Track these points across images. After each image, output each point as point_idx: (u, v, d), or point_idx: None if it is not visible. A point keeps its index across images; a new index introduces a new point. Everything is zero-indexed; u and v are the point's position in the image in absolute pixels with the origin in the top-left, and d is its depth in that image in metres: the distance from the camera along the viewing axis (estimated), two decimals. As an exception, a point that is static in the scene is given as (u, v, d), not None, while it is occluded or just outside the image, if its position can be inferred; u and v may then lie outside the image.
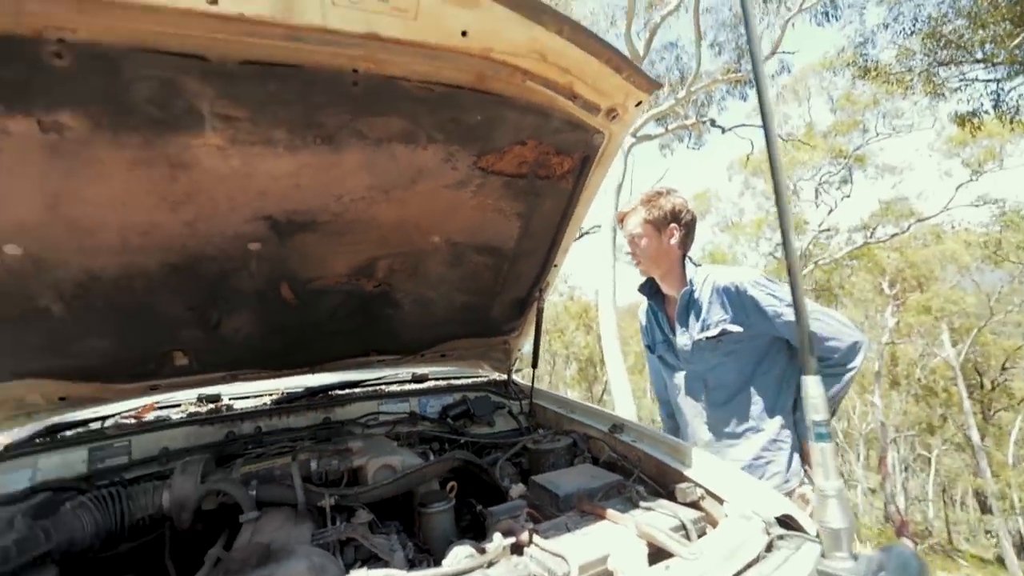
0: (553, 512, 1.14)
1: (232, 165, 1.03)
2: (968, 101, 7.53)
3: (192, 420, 1.57)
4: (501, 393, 1.96)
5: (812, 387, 0.79)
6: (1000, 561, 19.25)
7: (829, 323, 1.52)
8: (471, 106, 1.10)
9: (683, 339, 1.69)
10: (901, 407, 24.70)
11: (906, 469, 27.23)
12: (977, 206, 15.09)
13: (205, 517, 1.20)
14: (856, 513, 22.34)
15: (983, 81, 8.07)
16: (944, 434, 25.06)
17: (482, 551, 0.88)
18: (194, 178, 1.02)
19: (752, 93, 10.74)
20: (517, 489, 1.31)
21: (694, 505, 1.09)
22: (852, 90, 14.87)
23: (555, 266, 1.63)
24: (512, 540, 0.89)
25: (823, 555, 0.77)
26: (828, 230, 17.53)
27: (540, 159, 1.27)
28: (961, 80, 8.60)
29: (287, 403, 1.73)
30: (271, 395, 1.83)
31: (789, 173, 16.40)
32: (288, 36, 0.87)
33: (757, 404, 1.60)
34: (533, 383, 1.85)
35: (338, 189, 1.18)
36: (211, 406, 1.71)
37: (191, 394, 1.74)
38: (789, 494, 1.55)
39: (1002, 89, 6.99)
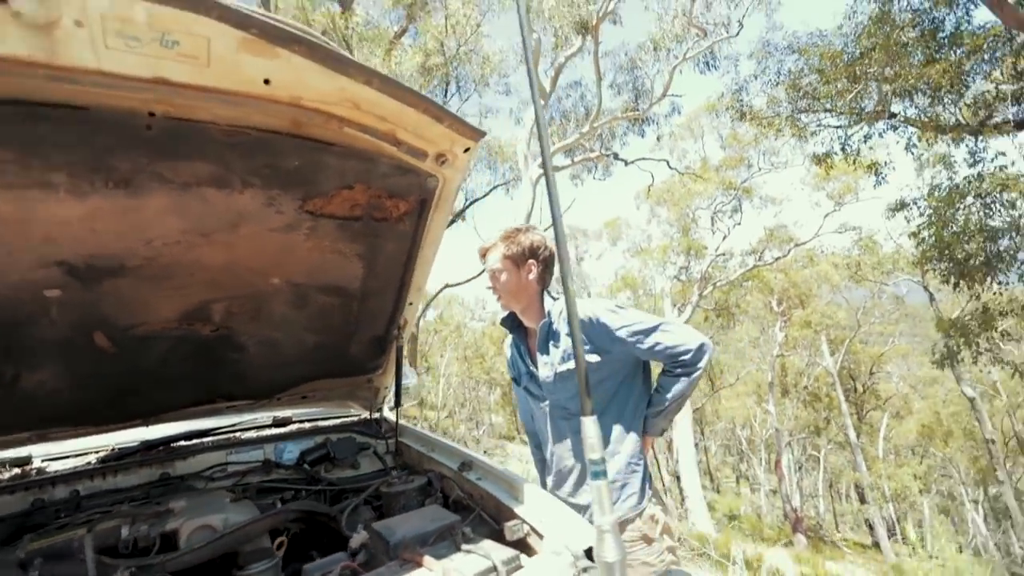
0: (384, 559, 1.11)
1: (5, 210, 0.93)
2: (822, 144, 8.67)
3: (-14, 490, 1.36)
4: (369, 433, 1.90)
5: (590, 427, 0.84)
6: (877, 546, 21.44)
7: (676, 331, 1.63)
8: (288, 151, 1.08)
9: (545, 370, 1.73)
10: (792, 413, 27.14)
11: (800, 469, 29.81)
12: (840, 232, 17.25)
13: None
14: (759, 514, 23.99)
15: (833, 127, 9.31)
16: (829, 434, 27.84)
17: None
18: (-50, 224, 0.91)
19: (649, 130, 11.65)
20: (358, 538, 1.26)
21: (520, 542, 1.11)
22: (737, 130, 16.55)
23: (410, 304, 1.62)
24: (309, 603, 0.85)
25: (602, 587, 0.81)
26: (724, 254, 19.12)
27: (373, 202, 1.27)
28: (818, 125, 9.87)
29: (115, 460, 1.55)
30: (98, 452, 1.64)
31: (688, 203, 17.82)
32: (56, 77, 0.82)
33: (615, 430, 1.66)
34: (397, 422, 1.81)
35: (145, 234, 1.10)
36: (16, 470, 1.49)
37: (-7, 458, 1.52)
38: (641, 514, 1.62)
39: (847, 135, 8.12)
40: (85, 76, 0.83)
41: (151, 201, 1.04)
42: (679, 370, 1.63)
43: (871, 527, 24.15)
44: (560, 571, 0.95)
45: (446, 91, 10.14)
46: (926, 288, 15.71)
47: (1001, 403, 20.29)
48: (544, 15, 9.45)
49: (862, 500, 26.98)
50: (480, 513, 1.29)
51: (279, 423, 1.91)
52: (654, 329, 1.62)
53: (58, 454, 1.60)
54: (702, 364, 1.63)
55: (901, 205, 7.90)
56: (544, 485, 1.82)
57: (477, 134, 1.22)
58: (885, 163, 7.90)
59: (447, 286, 10.65)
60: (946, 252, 7.09)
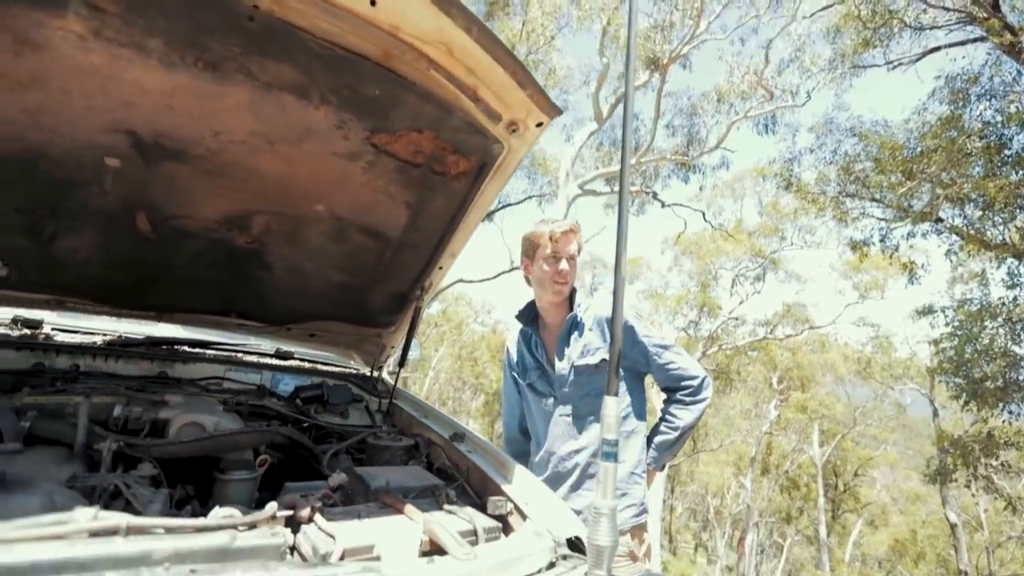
0: (361, 502, 1.09)
1: (93, 61, 0.94)
2: (862, 231, 8.59)
3: (-7, 339, 1.38)
4: (365, 387, 1.89)
5: (610, 406, 0.82)
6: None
7: (687, 357, 1.72)
8: (371, 79, 1.09)
9: (562, 364, 1.70)
10: (767, 494, 26.58)
11: (762, 552, 29.09)
12: (858, 326, 17.02)
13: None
14: (711, 587, 23.38)
15: (876, 218, 9.23)
16: (799, 525, 27.19)
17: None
18: (45, 62, 0.93)
19: (693, 178, 11.66)
20: (337, 477, 1.24)
21: (501, 518, 1.09)
22: (779, 199, 16.48)
23: (440, 268, 1.62)
24: (288, 512, 0.84)
25: (587, 572, 0.79)
26: (736, 319, 18.94)
27: (436, 153, 1.28)
28: (861, 213, 9.79)
29: (120, 347, 1.56)
30: (105, 335, 1.65)
31: (713, 259, 17.72)
32: (181, -55, 0.84)
33: (622, 435, 1.64)
34: (396, 382, 1.80)
35: (217, 124, 1.12)
36: (26, 331, 1.51)
37: (7, 313, 1.53)
38: (636, 530, 1.59)
39: (889, 229, 8.05)
40: (207, -48, 0.85)
41: (232, 92, 1.05)
42: (687, 399, 1.64)
43: (822, 631, 23.42)
44: (539, 552, 0.93)
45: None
46: (932, 402, 15.38)
47: (982, 538, 19.67)
48: (618, 42, 9.55)
49: (819, 601, 26.21)
50: (464, 484, 1.27)
51: (281, 355, 1.90)
52: (671, 348, 1.70)
53: (68, 327, 1.61)
54: (706, 395, 1.66)
55: (928, 310, 7.78)
56: None
57: (555, 110, 1.23)
58: (922, 265, 7.80)
59: (461, 281, 10.67)
60: (963, 368, 6.95)
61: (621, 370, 1.64)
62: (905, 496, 28.14)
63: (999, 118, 6.51)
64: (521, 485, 1.18)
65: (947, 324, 7.51)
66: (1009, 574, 18.43)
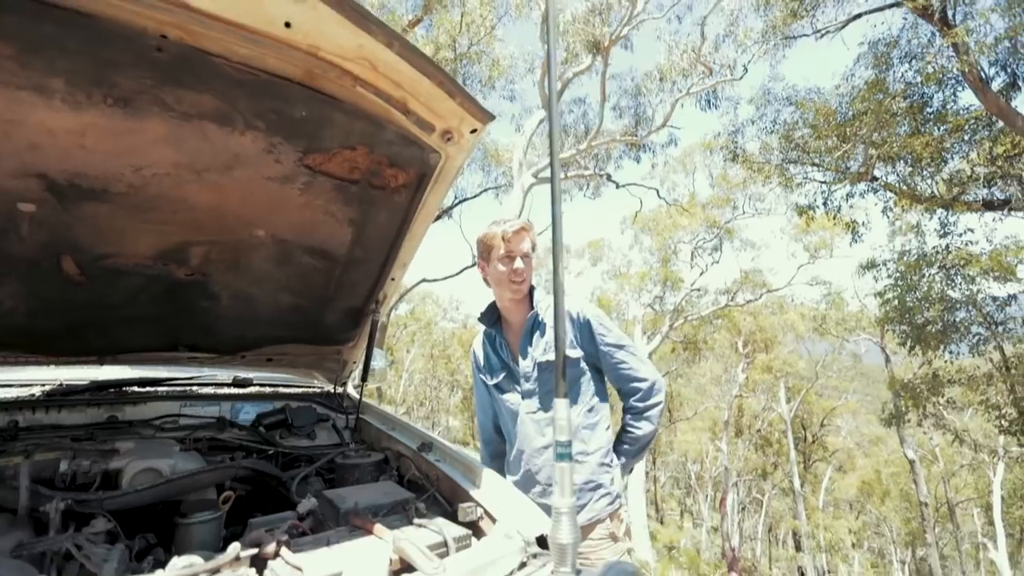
0: (332, 527, 1.09)
1: (-11, 107, 0.89)
2: (806, 196, 8.99)
3: (-83, 406, 1.29)
4: (330, 406, 1.87)
5: (561, 409, 0.85)
6: (807, 594, 21.93)
7: (640, 359, 1.72)
8: (297, 100, 1.07)
9: (525, 362, 1.72)
10: (743, 454, 27.73)
11: (743, 510, 30.41)
12: (811, 285, 17.83)
13: None
14: (698, 549, 24.32)
15: (818, 182, 9.65)
16: (774, 479, 28.53)
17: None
18: (-68, 112, 0.87)
19: (645, 157, 11.88)
20: (307, 503, 1.23)
21: (472, 524, 1.11)
22: (728, 171, 17.00)
23: (392, 279, 1.61)
24: (253, 551, 0.83)
25: (552, 570, 0.82)
26: (699, 290, 19.51)
27: (373, 168, 1.27)
28: (804, 178, 10.21)
29: (61, 395, 1.49)
30: (45, 385, 1.57)
31: (671, 234, 18.17)
32: (72, -20, 0.80)
33: (588, 430, 1.67)
34: (361, 398, 1.79)
35: (136, 159, 1.08)
36: (-47, 391, 1.42)
37: (-72, 376, 1.44)
38: (611, 515, 1.64)
39: (830, 191, 8.45)
40: (103, -15, 0.81)
41: (148, 126, 1.01)
42: (640, 405, 1.69)
43: (803, 574, 24.76)
44: (510, 554, 0.95)
45: (452, 87, 10.14)
46: (883, 349, 16.36)
47: (938, 469, 21.16)
48: (559, 28, 9.58)
49: (798, 548, 27.67)
50: (435, 493, 1.28)
51: (239, 383, 1.86)
52: (624, 348, 1.71)
53: (1, 381, 1.53)
54: (657, 400, 1.70)
55: (871, 264, 8.25)
56: None
57: (486, 116, 1.23)
58: (863, 223, 8.23)
59: (424, 280, 10.58)
60: (907, 316, 7.42)
61: (583, 364, 1.69)
62: (868, 440, 29.94)
63: (919, 78, 6.91)
64: (490, 489, 1.21)
65: (888, 276, 8.01)
66: (963, 499, 19.99)
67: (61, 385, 1.57)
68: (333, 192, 1.30)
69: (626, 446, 1.71)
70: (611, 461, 1.66)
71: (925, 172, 7.45)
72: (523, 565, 0.95)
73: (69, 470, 1.13)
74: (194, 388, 1.75)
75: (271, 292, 1.55)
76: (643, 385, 1.68)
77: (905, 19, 7.21)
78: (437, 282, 10.65)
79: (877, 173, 8.04)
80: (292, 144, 1.15)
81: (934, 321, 7.14)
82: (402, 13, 9.93)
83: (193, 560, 0.80)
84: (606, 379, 1.76)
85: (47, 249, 1.20)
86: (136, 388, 1.63)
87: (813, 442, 28.11)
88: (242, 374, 1.89)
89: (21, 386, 1.54)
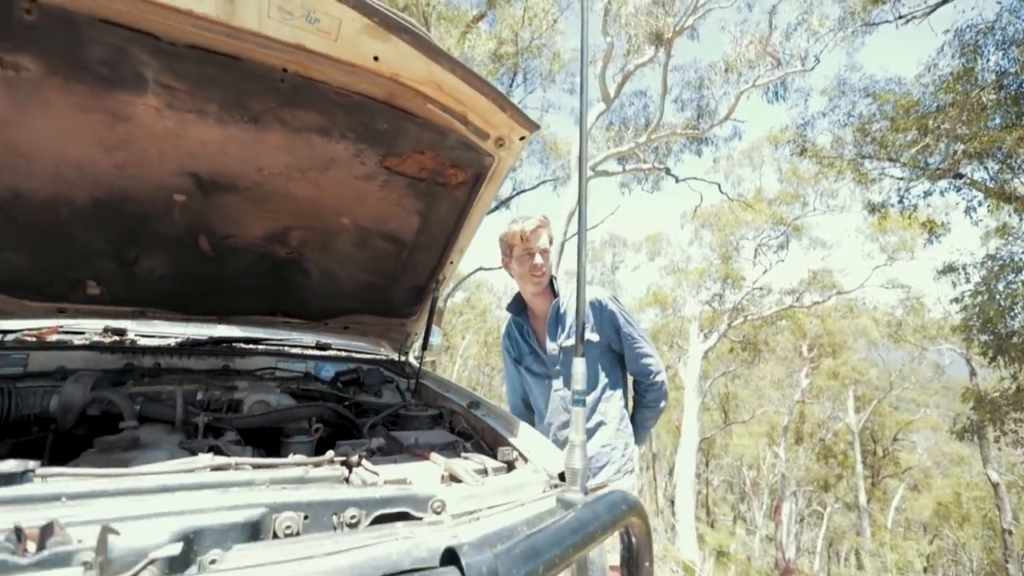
0: (396, 457, 1.37)
1: (166, 125, 1.22)
2: (880, 193, 8.49)
3: (93, 346, 1.70)
4: (394, 371, 2.17)
5: (578, 365, 1.07)
6: (867, 615, 20.73)
7: (654, 350, 1.97)
8: (380, 115, 1.35)
9: (552, 346, 1.96)
10: (804, 463, 26.42)
11: (801, 521, 28.99)
12: (887, 288, 16.68)
13: (89, 423, 1.35)
14: (750, 556, 23.53)
15: (896, 178, 9.09)
16: (837, 492, 26.98)
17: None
18: (130, 129, 1.21)
19: (707, 151, 11.60)
20: (377, 440, 1.53)
21: (508, 463, 1.35)
22: (798, 165, 16.17)
23: (451, 263, 1.88)
24: (342, 458, 1.12)
25: (565, 490, 1.04)
26: (761, 289, 18.74)
27: (438, 168, 1.53)
28: (880, 174, 9.63)
29: (190, 346, 1.88)
30: (176, 338, 1.97)
31: (734, 230, 17.55)
32: (229, 34, 1.10)
33: (605, 403, 1.90)
34: (421, 364, 2.08)
35: (259, 162, 1.39)
36: (115, 338, 1.83)
37: (98, 324, 1.87)
38: (627, 472, 1.86)
39: (907, 188, 7.95)
40: (248, 36, 1.11)
41: (270, 137, 1.32)
42: (654, 380, 1.93)
43: (865, 594, 23.38)
44: (536, 482, 1.19)
45: (512, 80, 10.38)
46: (968, 361, 15.06)
47: (1030, 496, 19.25)
48: (620, 20, 9.55)
49: (860, 566, 26.12)
50: (479, 441, 1.54)
51: (321, 347, 2.21)
52: (642, 338, 1.94)
53: (146, 333, 1.94)
54: (663, 379, 1.95)
55: (950, 268, 7.70)
56: None
57: (533, 126, 1.46)
58: (942, 223, 7.70)
59: (480, 269, 10.96)
60: (989, 324, 6.90)
61: (601, 349, 1.89)
62: (948, 459, 27.56)
63: (1015, 67, 6.36)
64: (525, 437, 1.44)
65: (967, 281, 7.45)
66: (1058, 531, 18.04)
67: (188, 339, 1.96)
68: (405, 188, 1.57)
69: (646, 415, 1.96)
70: (626, 428, 1.87)
71: (1019, 169, 6.86)
72: (544, 491, 1.18)
73: (206, 398, 1.48)
74: (286, 348, 2.11)
75: (351, 270, 1.86)
76: (653, 365, 1.92)
77: (1000, 3, 6.64)
78: (493, 271, 11.00)
79: (962, 170, 7.48)
80: (375, 149, 1.43)
81: (1020, 332, 6.60)
82: (467, 8, 10.25)
83: (302, 458, 1.09)
84: (622, 362, 1.97)
85: (190, 230, 1.56)
86: (243, 344, 2.00)
87: (883, 456, 26.30)
88: (323, 339, 2.23)
89: (160, 337, 1.95)
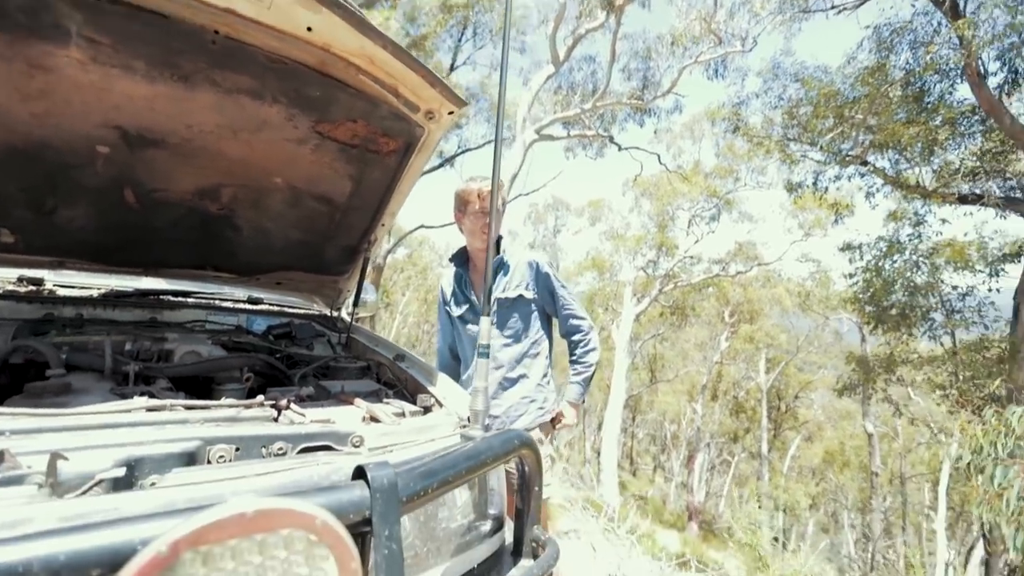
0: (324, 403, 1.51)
1: (90, 78, 1.23)
2: (799, 174, 9.19)
3: (8, 295, 1.68)
4: (326, 325, 2.27)
5: (484, 323, 1.25)
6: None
7: (580, 307, 2.15)
8: (312, 83, 1.40)
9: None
10: (719, 418, 28.95)
11: (711, 469, 32.01)
12: (801, 261, 18.20)
13: (13, 371, 1.38)
14: (665, 501, 25.90)
15: (815, 161, 9.82)
16: (744, 444, 29.97)
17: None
18: (51, 80, 1.20)
19: (649, 122, 11.90)
20: (307, 389, 1.65)
21: (426, 408, 1.53)
22: (734, 142, 16.94)
23: (382, 225, 1.98)
24: (272, 402, 1.25)
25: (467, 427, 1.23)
26: (692, 257, 19.84)
27: (369, 136, 1.61)
28: (802, 156, 10.33)
29: (115, 297, 1.88)
30: (99, 290, 1.95)
31: (671, 200, 18.30)
32: (156, -8, 1.11)
33: (531, 358, 2.08)
34: (352, 319, 2.19)
35: (189, 120, 1.41)
36: (32, 287, 1.80)
37: (12, 273, 1.82)
38: (543, 425, 2.07)
39: (821, 171, 8.66)
40: (176, -5, 1.13)
41: (201, 96, 1.35)
42: (583, 339, 2.11)
43: (757, 529, 26.56)
44: (448, 423, 1.37)
45: (462, 35, 10.05)
46: (860, 329, 16.94)
47: (898, 446, 22.33)
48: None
49: (759, 506, 29.44)
50: (403, 390, 1.70)
51: (253, 301, 2.25)
52: (575, 301, 2.13)
53: (65, 283, 1.91)
54: (592, 338, 2.11)
55: (848, 247, 8.62)
56: None
57: (461, 103, 1.56)
58: (847, 205, 8.49)
59: (422, 226, 10.88)
60: (873, 298, 7.84)
61: (534, 305, 2.08)
62: (838, 414, 31.22)
63: (919, 67, 6.99)
64: (442, 387, 1.62)
65: (861, 259, 8.38)
66: (915, 473, 21.25)
67: (113, 290, 1.95)
68: (337, 153, 1.64)
69: (580, 372, 2.13)
70: (547, 385, 2.08)
71: (914, 161, 7.65)
72: (454, 432, 1.37)
73: (135, 348, 1.53)
74: (217, 301, 2.14)
75: (283, 228, 1.91)
76: (583, 325, 2.11)
77: (914, 5, 7.20)
78: (435, 229, 10.97)
79: (869, 158, 8.23)
80: (307, 115, 1.48)
81: (896, 305, 7.58)
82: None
83: (232, 402, 1.21)
84: (552, 321, 2.17)
85: (114, 182, 1.56)
86: (171, 297, 2.01)
87: (785, 412, 29.33)
88: (256, 294, 2.28)
89: (83, 288, 1.93)
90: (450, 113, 1.59)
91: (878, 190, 8.02)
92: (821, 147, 8.66)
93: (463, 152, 12.58)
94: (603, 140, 11.95)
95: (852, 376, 9.88)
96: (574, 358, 2.15)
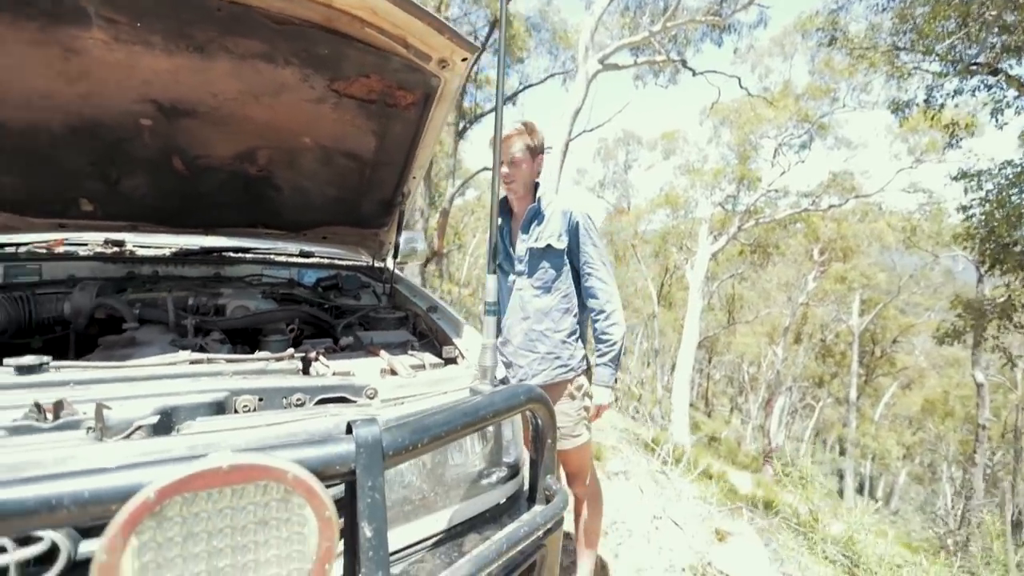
0: (358, 353, 1.62)
1: (117, 57, 1.31)
2: (907, 91, 7.92)
3: (97, 256, 1.92)
4: (372, 276, 2.38)
5: (491, 282, 1.25)
6: (840, 494, 22.88)
7: (612, 283, 1.98)
8: (320, 41, 1.39)
9: (521, 247, 2.06)
10: (803, 361, 27.47)
11: (793, 413, 30.88)
12: (909, 192, 16.07)
13: (99, 324, 1.60)
14: (740, 442, 25.54)
15: (933, 73, 8.40)
16: (831, 389, 28.40)
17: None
18: (85, 61, 1.30)
19: (728, 40, 10.67)
20: (345, 340, 1.77)
21: (451, 360, 1.59)
22: (832, 57, 14.84)
23: (414, 178, 1.99)
24: (302, 355, 1.36)
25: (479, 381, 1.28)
26: (777, 191, 18.19)
27: (386, 91, 1.59)
28: (915, 68, 8.88)
29: (184, 255, 2.09)
30: (171, 248, 2.18)
31: (754, 128, 16.66)
32: (158, -36, 1.14)
33: (558, 311, 2.03)
34: (393, 270, 2.28)
35: (212, 88, 1.48)
36: (116, 249, 2.05)
37: (99, 237, 2.07)
38: (571, 380, 2.03)
39: (936, 86, 7.39)
40: (178, -35, 1.15)
41: (218, 65, 1.39)
42: (598, 324, 1.95)
43: (841, 476, 25.62)
44: (463, 376, 1.42)
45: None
46: (977, 267, 14.94)
47: (1015, 397, 20.10)
48: None
49: (842, 453, 28.26)
50: (433, 341, 1.77)
51: (304, 254, 2.41)
52: (602, 263, 1.96)
53: (144, 244, 2.15)
54: (611, 316, 1.93)
55: (964, 175, 7.39)
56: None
57: (473, 48, 1.49)
58: (967, 125, 7.26)
59: (486, 168, 10.80)
60: (992, 233, 6.80)
61: (567, 260, 2.01)
62: (945, 360, 28.42)
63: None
64: (468, 339, 1.67)
65: (979, 188, 7.17)
66: (1034, 427, 19.10)
67: (182, 249, 2.17)
68: (357, 110, 1.65)
69: (604, 351, 1.97)
70: (574, 342, 2.02)
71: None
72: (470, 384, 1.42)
73: (195, 303, 1.71)
74: (272, 256, 2.32)
75: (320, 185, 1.99)
76: (603, 292, 1.94)
77: None
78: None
79: (1001, 65, 6.89)
80: (321, 74, 1.49)
81: (1021, 241, 6.51)
82: None
83: (267, 354, 1.33)
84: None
85: (162, 152, 1.69)
86: (231, 254, 2.20)
87: (881, 357, 27.19)
88: (306, 248, 2.43)
89: (156, 248, 2.16)
90: (463, 60, 1.53)
91: (1009, 105, 6.72)
92: (938, 55, 7.36)
93: (525, 88, 12.12)
94: (676, 65, 10.93)
95: (956, 322, 8.80)
96: (596, 332, 1.99)
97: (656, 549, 2.56)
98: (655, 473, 3.54)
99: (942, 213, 15.92)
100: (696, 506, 3.08)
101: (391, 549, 1.10)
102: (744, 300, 27.10)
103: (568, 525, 2.32)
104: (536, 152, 1.97)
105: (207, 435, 0.93)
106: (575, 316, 2.01)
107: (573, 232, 1.96)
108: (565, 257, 1.98)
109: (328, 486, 0.86)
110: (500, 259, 2.16)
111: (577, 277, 2.02)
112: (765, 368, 29.25)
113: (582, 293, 2.01)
